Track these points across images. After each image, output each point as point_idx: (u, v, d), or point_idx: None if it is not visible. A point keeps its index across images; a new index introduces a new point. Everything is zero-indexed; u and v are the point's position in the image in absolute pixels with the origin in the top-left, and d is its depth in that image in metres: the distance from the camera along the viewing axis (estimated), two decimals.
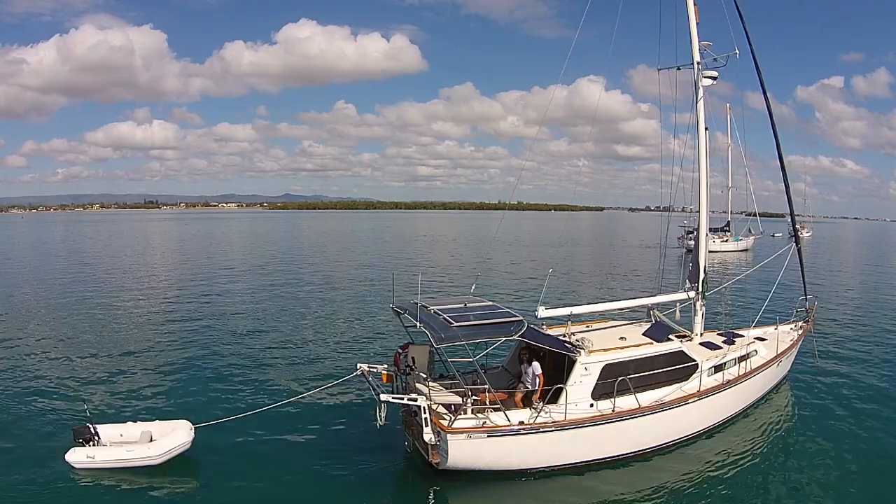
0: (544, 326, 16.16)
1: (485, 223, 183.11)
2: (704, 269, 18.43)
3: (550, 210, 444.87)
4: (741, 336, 18.45)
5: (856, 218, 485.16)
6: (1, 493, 12.49)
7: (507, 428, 13.05)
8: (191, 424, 14.24)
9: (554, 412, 13.48)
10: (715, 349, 16.87)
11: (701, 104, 17.93)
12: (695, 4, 17.59)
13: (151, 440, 13.94)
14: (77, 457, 13.41)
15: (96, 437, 13.93)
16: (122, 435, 14.26)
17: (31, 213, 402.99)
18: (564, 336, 15.47)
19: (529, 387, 14.42)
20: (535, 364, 14.39)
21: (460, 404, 13.14)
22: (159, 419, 14.99)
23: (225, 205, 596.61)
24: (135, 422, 14.99)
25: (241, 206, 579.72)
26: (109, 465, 13.39)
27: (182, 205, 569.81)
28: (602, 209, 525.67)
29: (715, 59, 17.65)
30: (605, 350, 14.82)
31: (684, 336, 17.15)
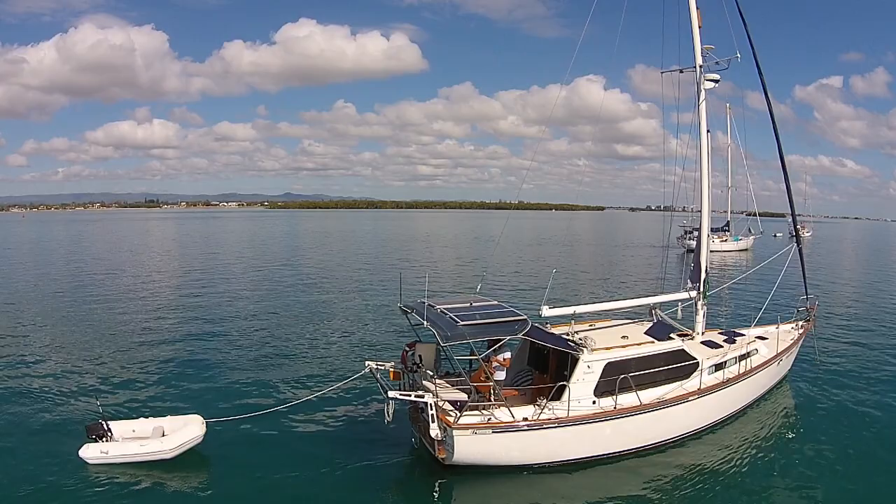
0: (548, 325, 16.42)
1: (486, 222, 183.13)
2: (706, 270, 18.68)
3: (552, 210, 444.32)
4: (742, 335, 18.61)
5: (856, 218, 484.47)
6: (17, 490, 12.73)
7: (511, 424, 13.31)
8: (202, 419, 14.49)
9: (557, 409, 13.73)
10: (716, 348, 17.07)
11: (703, 107, 18.14)
12: (697, 8, 17.85)
13: (163, 435, 14.18)
14: (90, 452, 13.63)
15: (109, 433, 14.14)
16: (134, 430, 14.49)
17: (32, 211, 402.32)
18: (568, 335, 15.70)
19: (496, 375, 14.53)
20: (505, 352, 14.68)
21: (467, 400, 13.41)
22: (171, 415, 15.28)
23: (226, 204, 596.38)
24: (146, 417, 15.24)
25: (242, 205, 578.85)
26: (123, 460, 13.62)
27: (183, 204, 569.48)
28: (603, 209, 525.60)
29: (717, 63, 17.87)
30: (607, 348, 15.06)
31: (686, 335, 17.36)
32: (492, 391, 13.59)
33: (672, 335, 16.81)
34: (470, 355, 14.25)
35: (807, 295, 21.14)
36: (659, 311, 18.75)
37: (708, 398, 15.53)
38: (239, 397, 18.29)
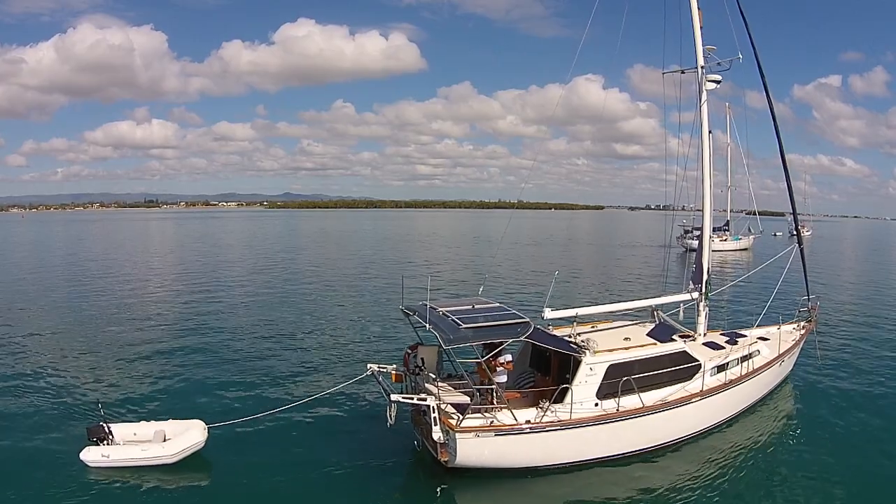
0: (550, 327, 16.39)
1: (486, 222, 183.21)
2: (708, 271, 18.65)
3: (551, 209, 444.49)
4: (744, 336, 18.62)
5: (856, 216, 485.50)
6: (17, 492, 12.71)
7: (514, 427, 13.27)
8: (204, 424, 14.44)
9: (560, 411, 13.70)
10: (718, 349, 17.06)
11: (704, 107, 18.10)
12: (699, 9, 17.80)
13: (165, 439, 14.14)
14: (91, 455, 13.60)
15: (110, 436, 14.13)
16: (135, 434, 14.47)
17: (32, 212, 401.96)
18: (570, 337, 15.68)
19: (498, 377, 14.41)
20: (507, 355, 14.54)
21: (469, 403, 13.36)
22: (173, 419, 15.20)
23: (225, 204, 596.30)
24: (148, 421, 15.19)
25: (242, 204, 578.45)
26: (124, 464, 13.59)
27: (182, 204, 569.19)
28: (602, 208, 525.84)
29: (719, 64, 17.84)
30: (609, 350, 15.04)
31: (688, 336, 17.38)
32: (494, 393, 13.55)
33: (674, 337, 16.79)
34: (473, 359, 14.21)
35: (808, 295, 21.13)
36: (661, 313, 18.74)
37: (710, 399, 15.50)
38: (240, 401, 18.23)
